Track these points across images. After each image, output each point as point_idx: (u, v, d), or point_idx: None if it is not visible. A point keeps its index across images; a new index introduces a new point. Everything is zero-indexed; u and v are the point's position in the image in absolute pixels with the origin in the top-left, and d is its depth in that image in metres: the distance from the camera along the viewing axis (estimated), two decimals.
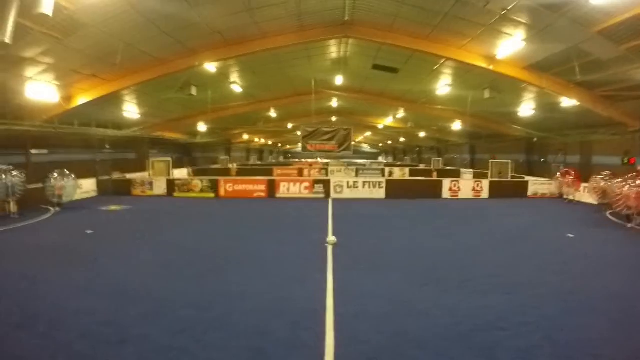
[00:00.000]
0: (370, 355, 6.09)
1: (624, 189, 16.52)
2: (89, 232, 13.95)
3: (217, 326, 6.98)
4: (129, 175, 27.91)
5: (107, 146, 29.83)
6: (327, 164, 50.07)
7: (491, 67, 18.03)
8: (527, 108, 24.76)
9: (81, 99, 19.39)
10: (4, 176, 16.46)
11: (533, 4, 12.61)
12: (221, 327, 6.94)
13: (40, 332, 6.58)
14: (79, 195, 22.37)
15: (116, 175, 27.59)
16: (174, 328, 6.84)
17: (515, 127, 29.61)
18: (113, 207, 19.59)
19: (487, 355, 6.17)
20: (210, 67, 19.17)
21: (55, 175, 19.03)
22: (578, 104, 19.94)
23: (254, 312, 7.56)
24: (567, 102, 20.29)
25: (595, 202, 20.79)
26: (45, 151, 23.87)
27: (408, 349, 6.33)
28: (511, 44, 15.75)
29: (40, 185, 18.77)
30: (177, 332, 6.71)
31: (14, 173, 16.84)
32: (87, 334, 6.53)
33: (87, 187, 24.20)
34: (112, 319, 7.11)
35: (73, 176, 19.94)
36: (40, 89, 16.91)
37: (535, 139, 31.92)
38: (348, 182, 25.84)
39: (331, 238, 13.08)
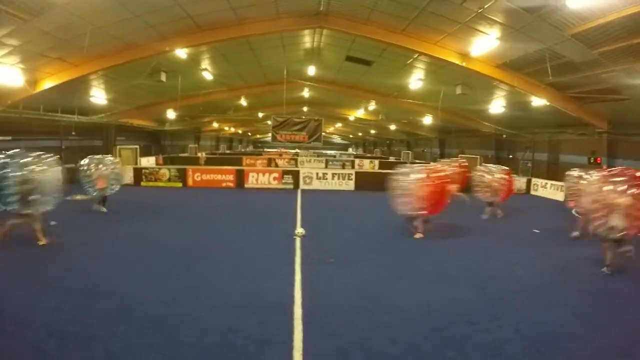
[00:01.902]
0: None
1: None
2: (52, 223, 13.45)
3: (187, 322, 6.83)
4: None
5: (74, 133, 28.84)
6: (296, 154, 49.90)
7: (464, 64, 18.10)
8: (497, 105, 25.00)
9: (47, 83, 18.61)
10: None
11: (510, 4, 12.62)
12: (190, 323, 6.80)
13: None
14: None
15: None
16: (142, 324, 6.66)
17: (486, 123, 29.98)
18: (79, 197, 18.96)
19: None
20: (181, 53, 18.64)
21: (87, 161, 16.74)
22: (548, 103, 20.23)
23: (223, 308, 7.46)
24: (538, 101, 20.56)
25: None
26: (8, 137, 22.89)
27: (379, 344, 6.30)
28: (485, 42, 15.81)
29: None
30: (146, 328, 6.54)
31: None
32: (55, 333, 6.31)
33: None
34: (80, 316, 6.87)
35: (113, 159, 18.21)
36: (4, 73, 16.09)
37: (504, 136, 32.37)
38: (317, 173, 25.82)
39: (299, 230, 13.11)
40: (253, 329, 6.68)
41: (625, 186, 9.95)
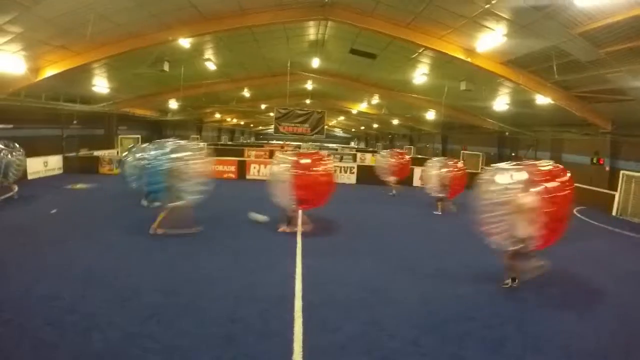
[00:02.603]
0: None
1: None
2: (53, 211, 13.43)
3: (187, 312, 6.85)
4: (96, 153, 27.15)
5: (75, 122, 28.79)
6: (298, 146, 49.78)
7: (469, 60, 17.94)
8: (501, 102, 24.87)
9: (49, 71, 18.43)
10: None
11: (518, 1, 12.49)
12: (190, 314, 6.81)
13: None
14: (43, 172, 21.63)
15: (83, 152, 26.79)
16: (142, 314, 6.66)
17: (489, 120, 29.82)
18: (79, 186, 18.96)
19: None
20: (185, 42, 18.50)
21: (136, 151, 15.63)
22: (553, 102, 20.08)
23: (223, 298, 7.50)
24: (542, 99, 20.42)
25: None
26: (9, 125, 22.83)
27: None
28: (492, 38, 15.63)
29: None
30: (145, 318, 6.54)
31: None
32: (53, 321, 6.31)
33: (53, 164, 23.42)
34: (79, 305, 6.88)
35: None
36: (6, 60, 15.96)
37: (507, 133, 32.23)
38: None
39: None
40: (253, 319, 6.71)
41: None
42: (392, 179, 21.54)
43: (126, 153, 15.35)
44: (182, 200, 11.46)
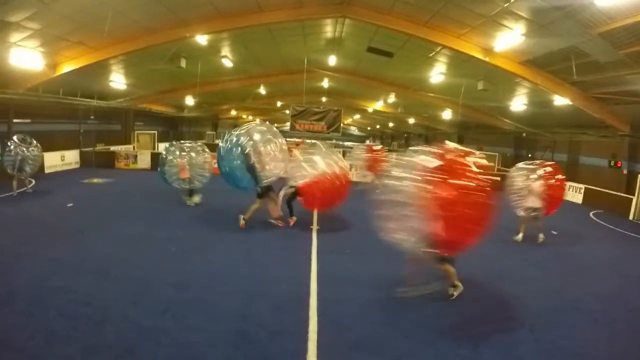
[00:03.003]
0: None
1: None
2: (69, 205, 13.60)
3: (199, 308, 6.88)
4: (112, 148, 27.42)
5: (92, 117, 29.09)
6: (314, 144, 49.79)
7: (487, 59, 17.79)
8: (519, 102, 24.62)
9: (67, 67, 18.68)
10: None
11: (537, 0, 12.34)
12: (203, 309, 6.85)
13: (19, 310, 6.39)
14: (60, 167, 21.89)
15: (100, 147, 27.07)
16: (156, 309, 6.70)
17: (506, 120, 29.53)
18: (95, 180, 19.17)
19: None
20: (202, 39, 18.61)
21: (174, 149, 15.38)
22: (571, 103, 19.83)
23: (236, 294, 7.53)
24: (560, 100, 20.16)
25: None
26: (27, 120, 23.13)
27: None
28: (510, 38, 15.50)
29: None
30: (159, 312, 6.58)
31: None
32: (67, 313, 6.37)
33: (70, 158, 23.70)
34: (93, 298, 6.93)
35: (202, 147, 16.20)
36: (24, 56, 16.18)
37: (524, 134, 31.91)
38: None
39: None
40: (266, 316, 6.73)
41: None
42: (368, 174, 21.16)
43: (165, 152, 15.31)
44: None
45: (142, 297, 7.07)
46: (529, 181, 12.97)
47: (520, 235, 13.05)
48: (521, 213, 13.05)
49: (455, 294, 7.98)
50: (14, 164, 14.90)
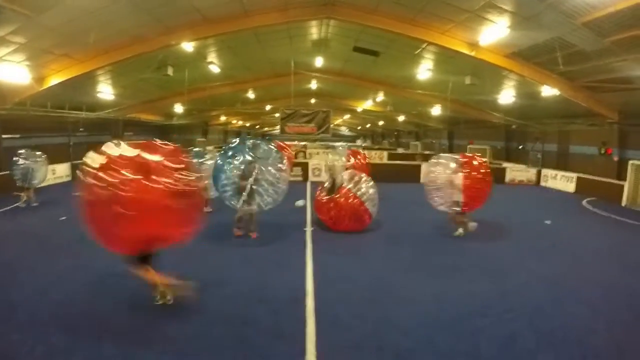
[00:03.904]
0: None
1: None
2: (62, 218, 13.56)
3: (198, 313, 6.89)
4: None
5: (82, 129, 28.90)
6: (304, 146, 49.82)
7: (473, 54, 17.83)
8: (507, 95, 24.69)
9: (54, 80, 18.56)
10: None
11: None
12: (202, 314, 6.87)
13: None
14: (52, 180, 21.76)
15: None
16: (154, 317, 6.72)
17: (495, 113, 29.64)
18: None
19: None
20: (188, 46, 18.54)
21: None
22: (558, 93, 19.92)
23: (234, 298, 7.59)
24: (548, 91, 20.25)
25: None
26: (17, 135, 22.96)
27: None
28: (495, 31, 15.55)
29: (9, 171, 16.99)
30: (158, 320, 6.59)
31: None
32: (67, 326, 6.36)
33: (61, 172, 23.55)
34: (92, 310, 6.93)
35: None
36: (11, 70, 16.11)
37: (514, 127, 32.07)
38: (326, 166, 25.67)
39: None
40: (265, 319, 6.75)
41: None
42: None
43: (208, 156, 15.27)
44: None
45: (140, 306, 7.05)
46: (448, 174, 12.66)
47: (460, 230, 12.68)
48: (443, 208, 12.84)
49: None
50: (24, 176, 15.78)
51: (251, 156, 11.31)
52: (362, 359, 5.72)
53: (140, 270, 6.81)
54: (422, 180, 20.97)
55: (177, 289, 7.02)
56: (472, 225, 12.54)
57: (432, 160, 14.27)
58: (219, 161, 11.87)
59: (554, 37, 14.95)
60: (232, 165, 11.40)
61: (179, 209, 6.42)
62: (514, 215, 16.42)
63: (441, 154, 14.45)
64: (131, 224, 6.02)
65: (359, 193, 12.53)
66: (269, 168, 11.34)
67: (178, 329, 6.30)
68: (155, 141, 7.01)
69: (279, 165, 11.59)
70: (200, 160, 14.55)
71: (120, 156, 6.42)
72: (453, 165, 12.74)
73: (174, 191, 6.29)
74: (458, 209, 12.40)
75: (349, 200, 12.45)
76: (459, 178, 12.23)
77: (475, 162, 13.03)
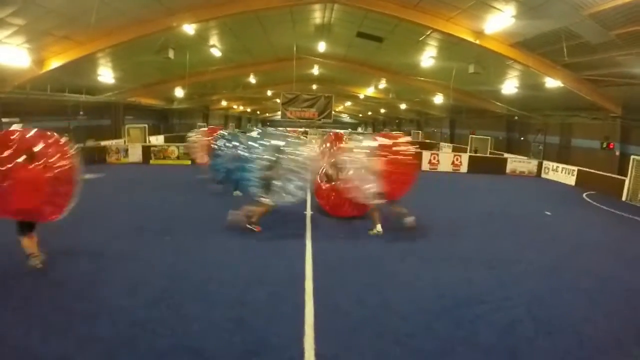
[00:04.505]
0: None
1: None
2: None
3: (196, 297, 6.85)
4: (103, 143, 27.17)
5: (81, 112, 28.74)
6: (305, 132, 49.73)
7: (478, 42, 17.70)
8: (510, 85, 24.56)
9: (54, 63, 18.37)
10: None
11: None
12: (200, 298, 6.82)
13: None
14: None
15: (90, 143, 26.80)
16: (151, 299, 6.67)
17: (497, 103, 29.53)
18: (87, 176, 18.95)
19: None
20: (189, 28, 18.38)
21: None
22: (562, 85, 19.79)
23: (232, 282, 7.50)
24: (552, 82, 20.13)
25: None
26: (16, 119, 22.79)
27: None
28: (500, 20, 15.40)
29: None
30: (154, 303, 6.54)
31: None
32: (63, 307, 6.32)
33: None
34: (88, 291, 6.91)
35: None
36: (10, 53, 15.85)
37: (516, 117, 31.96)
38: None
39: None
40: (263, 302, 6.73)
41: None
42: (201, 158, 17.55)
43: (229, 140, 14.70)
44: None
45: (137, 289, 7.02)
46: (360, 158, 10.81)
47: (378, 227, 10.90)
48: (370, 200, 10.79)
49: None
50: None
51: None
52: (360, 343, 5.69)
53: (24, 236, 7.62)
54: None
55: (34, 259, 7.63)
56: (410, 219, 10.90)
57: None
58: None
59: (560, 27, 14.79)
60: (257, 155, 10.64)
61: (52, 190, 7.73)
62: (514, 205, 16.43)
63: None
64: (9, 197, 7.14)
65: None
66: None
67: (175, 311, 6.27)
68: (45, 131, 8.22)
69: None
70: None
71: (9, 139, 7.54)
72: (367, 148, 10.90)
73: (51, 175, 7.68)
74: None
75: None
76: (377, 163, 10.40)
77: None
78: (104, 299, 6.58)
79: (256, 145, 10.83)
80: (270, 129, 11.43)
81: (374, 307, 6.73)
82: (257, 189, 10.41)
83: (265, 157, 10.39)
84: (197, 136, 19.09)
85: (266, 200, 10.37)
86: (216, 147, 14.85)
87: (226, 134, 15.61)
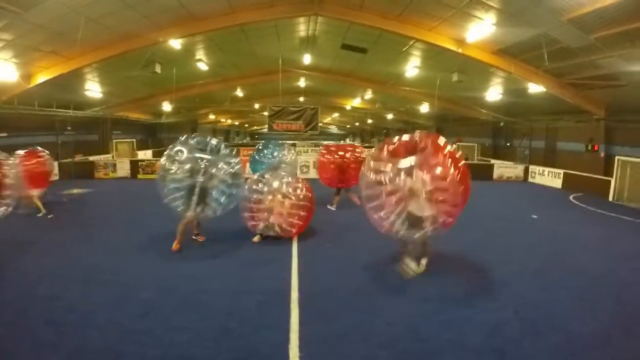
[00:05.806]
0: None
1: None
2: (50, 216, 13.48)
3: (183, 308, 6.90)
4: (91, 158, 27.11)
5: (69, 127, 28.65)
6: (294, 144, 49.78)
7: (460, 51, 17.92)
8: (494, 92, 24.89)
9: (41, 78, 18.40)
10: None
11: None
12: (186, 308, 6.87)
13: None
14: None
15: (78, 158, 26.74)
16: (139, 311, 6.71)
17: (483, 110, 29.80)
18: (75, 191, 18.92)
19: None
20: (175, 43, 18.48)
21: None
22: (545, 90, 20.07)
23: (219, 292, 7.57)
24: (535, 88, 20.42)
25: None
26: (4, 134, 22.70)
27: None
28: (482, 28, 15.61)
29: None
30: (142, 315, 6.59)
31: None
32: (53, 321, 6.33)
33: None
34: (77, 305, 6.91)
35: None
36: None
37: (501, 123, 32.27)
38: (315, 162, 25.71)
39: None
40: (250, 311, 6.78)
41: None
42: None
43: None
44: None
45: (126, 301, 7.05)
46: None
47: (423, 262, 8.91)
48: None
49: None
50: None
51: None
52: (346, 348, 5.74)
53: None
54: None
55: None
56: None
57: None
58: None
59: (540, 33, 15.02)
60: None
61: None
62: (502, 210, 16.57)
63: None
64: None
65: None
66: None
67: (162, 322, 6.31)
68: None
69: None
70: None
71: None
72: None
73: None
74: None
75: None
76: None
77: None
78: (94, 312, 6.60)
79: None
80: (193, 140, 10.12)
81: (360, 313, 6.80)
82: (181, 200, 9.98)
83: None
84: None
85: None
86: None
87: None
